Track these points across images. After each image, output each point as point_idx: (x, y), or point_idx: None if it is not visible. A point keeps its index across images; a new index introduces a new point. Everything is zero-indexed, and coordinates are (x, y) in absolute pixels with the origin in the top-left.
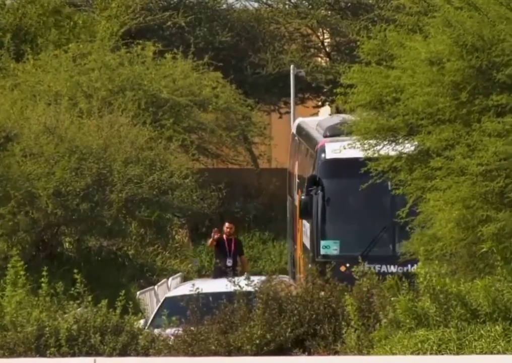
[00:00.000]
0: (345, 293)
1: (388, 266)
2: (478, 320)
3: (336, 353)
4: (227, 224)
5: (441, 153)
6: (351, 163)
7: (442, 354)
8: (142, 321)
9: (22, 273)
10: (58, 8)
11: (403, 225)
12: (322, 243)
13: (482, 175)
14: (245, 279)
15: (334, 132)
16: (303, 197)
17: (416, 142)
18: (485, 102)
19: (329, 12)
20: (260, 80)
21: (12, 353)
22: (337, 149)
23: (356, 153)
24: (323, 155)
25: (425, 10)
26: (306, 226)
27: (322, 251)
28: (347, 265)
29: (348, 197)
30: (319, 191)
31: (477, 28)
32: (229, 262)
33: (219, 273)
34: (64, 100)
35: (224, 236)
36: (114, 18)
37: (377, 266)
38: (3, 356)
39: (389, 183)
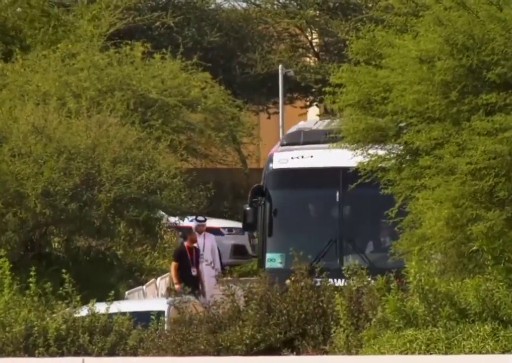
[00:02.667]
0: (335, 293)
1: (335, 280)
2: (467, 319)
3: (325, 352)
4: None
5: (430, 151)
6: (298, 173)
7: (431, 354)
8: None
9: (8, 272)
10: (44, 8)
11: (351, 237)
12: (268, 256)
13: (471, 174)
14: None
15: (291, 140)
16: (246, 208)
17: (405, 142)
18: (475, 101)
19: (318, 12)
20: (248, 80)
21: (0, 353)
22: (284, 159)
23: (305, 163)
24: (270, 165)
25: (413, 11)
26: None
27: (267, 265)
28: (293, 279)
29: (295, 209)
30: (265, 202)
31: (467, 28)
32: (194, 272)
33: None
34: (52, 100)
35: (186, 243)
36: (101, 18)
37: (319, 280)
38: None
39: (337, 195)
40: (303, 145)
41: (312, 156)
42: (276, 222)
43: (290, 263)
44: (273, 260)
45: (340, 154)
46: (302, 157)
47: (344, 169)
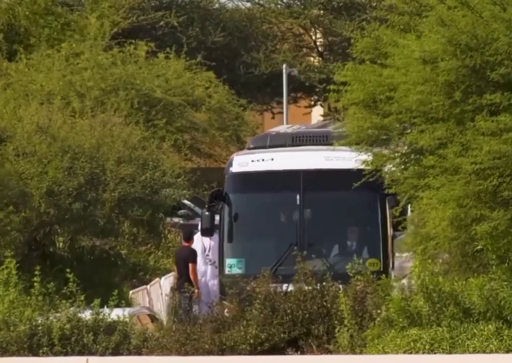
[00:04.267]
0: (339, 292)
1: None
2: (471, 319)
3: (329, 352)
4: None
5: (434, 151)
6: (258, 176)
7: (435, 353)
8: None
9: (14, 272)
10: (49, 7)
11: (312, 241)
12: (227, 261)
13: (475, 174)
14: None
15: (258, 144)
16: (204, 213)
17: (409, 141)
18: (479, 101)
19: (322, 12)
20: (252, 79)
21: (5, 352)
22: (244, 162)
23: (265, 166)
24: (230, 169)
25: (417, 11)
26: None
27: (227, 270)
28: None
29: (254, 213)
30: (224, 207)
31: (471, 28)
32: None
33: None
34: (56, 99)
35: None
36: (104, 17)
37: (284, 286)
38: None
39: (297, 198)
40: (269, 149)
41: (272, 159)
42: (235, 227)
43: (249, 268)
44: (233, 265)
45: (302, 157)
46: (263, 160)
47: (305, 172)
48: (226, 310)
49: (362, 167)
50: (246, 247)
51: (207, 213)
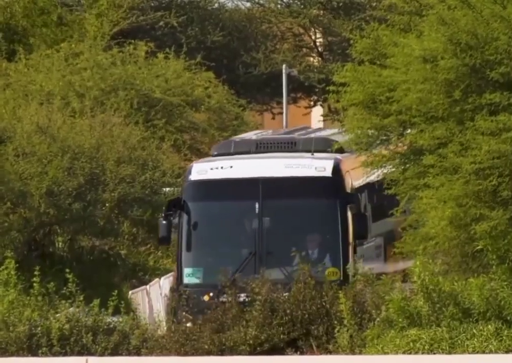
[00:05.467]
0: (339, 292)
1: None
2: (471, 319)
3: (329, 352)
4: None
5: (434, 151)
6: (217, 184)
7: (434, 353)
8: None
9: (13, 272)
10: (46, 7)
11: (271, 250)
12: (185, 270)
13: (475, 173)
14: None
15: (222, 150)
16: (161, 221)
17: (409, 141)
18: (478, 100)
19: (321, 11)
20: (252, 79)
21: (4, 353)
22: (203, 170)
23: (224, 174)
24: (189, 177)
25: (417, 10)
26: None
27: (185, 280)
28: (211, 294)
29: (213, 222)
30: (182, 215)
31: (471, 27)
32: None
33: None
34: (56, 99)
35: None
36: (103, 16)
37: (243, 295)
38: None
39: (256, 206)
40: (229, 156)
41: (231, 167)
42: (193, 236)
43: (208, 278)
44: (191, 275)
45: (261, 164)
46: (222, 168)
47: (264, 180)
48: (183, 321)
49: (322, 174)
50: (204, 256)
51: (164, 222)
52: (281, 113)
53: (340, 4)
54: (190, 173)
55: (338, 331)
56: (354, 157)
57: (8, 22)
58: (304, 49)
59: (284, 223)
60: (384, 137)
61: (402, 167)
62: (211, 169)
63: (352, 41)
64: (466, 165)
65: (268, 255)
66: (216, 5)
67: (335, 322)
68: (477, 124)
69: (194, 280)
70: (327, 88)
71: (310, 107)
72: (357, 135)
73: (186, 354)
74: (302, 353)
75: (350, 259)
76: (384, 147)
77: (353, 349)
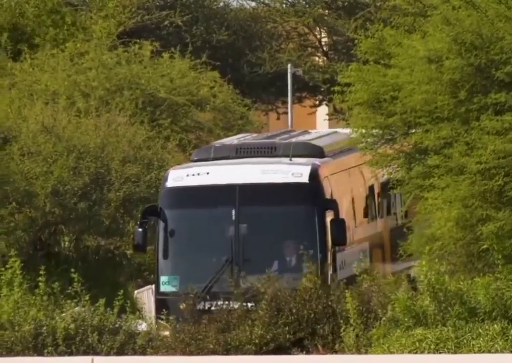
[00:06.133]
0: (345, 291)
1: (231, 302)
2: (476, 319)
3: (334, 352)
4: None
5: (439, 151)
6: (193, 191)
7: (440, 353)
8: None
9: (18, 272)
10: (55, 7)
11: (247, 257)
12: (161, 278)
13: (480, 173)
14: None
15: (202, 156)
16: (137, 229)
17: (414, 141)
18: (484, 100)
19: (326, 11)
20: (257, 79)
21: (9, 352)
22: (179, 177)
23: (200, 180)
24: (165, 183)
25: (421, 11)
26: None
27: (162, 288)
28: (187, 302)
29: (189, 229)
30: (159, 223)
31: (476, 27)
32: None
33: None
34: (61, 99)
35: None
36: (110, 17)
37: (219, 303)
38: (1, 355)
39: (233, 213)
40: (212, 161)
41: (208, 173)
42: (170, 243)
43: (184, 286)
44: (167, 283)
45: (238, 171)
46: (198, 174)
47: (241, 186)
48: (161, 329)
49: (299, 180)
50: (180, 264)
51: (139, 230)
52: (287, 113)
53: (345, 3)
54: (166, 179)
55: (344, 330)
56: (335, 161)
57: (16, 22)
58: (309, 49)
59: (261, 229)
60: (389, 137)
61: (407, 166)
62: (188, 175)
63: (356, 41)
64: (471, 165)
65: (245, 262)
66: (221, 4)
67: (341, 321)
68: (483, 124)
69: (170, 288)
70: (332, 88)
71: (315, 106)
72: (361, 134)
73: (191, 353)
74: (307, 353)
75: (328, 265)
76: (389, 146)
77: (358, 348)
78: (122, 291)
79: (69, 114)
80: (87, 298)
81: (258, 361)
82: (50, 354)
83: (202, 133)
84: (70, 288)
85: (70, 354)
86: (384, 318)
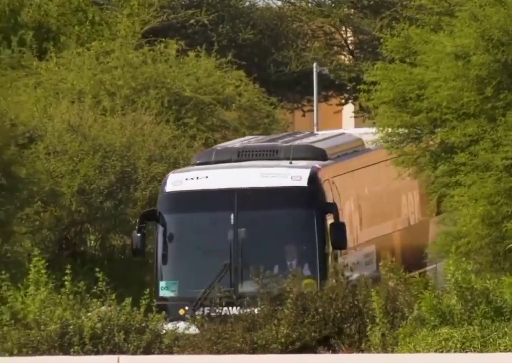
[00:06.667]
0: (372, 291)
1: (231, 308)
2: (503, 317)
3: (360, 351)
4: None
5: (465, 148)
6: (192, 195)
7: (466, 352)
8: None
9: (44, 271)
10: (80, 6)
11: (247, 262)
12: (161, 284)
13: (506, 170)
14: None
15: (203, 159)
16: (135, 234)
17: (440, 138)
18: (510, 97)
19: (352, 10)
20: (283, 78)
21: (36, 351)
22: (178, 181)
23: (199, 184)
24: (164, 187)
25: (446, 10)
26: None
27: (161, 293)
28: (187, 308)
29: (188, 234)
30: (158, 227)
31: (503, 23)
32: None
33: None
34: (87, 98)
35: None
36: (135, 16)
37: (218, 309)
38: (27, 354)
39: (232, 217)
40: (212, 165)
41: (207, 177)
42: (169, 248)
43: (184, 291)
44: (167, 288)
45: (237, 174)
46: (197, 178)
47: (240, 190)
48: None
49: (298, 184)
50: (179, 269)
51: (137, 234)
52: (312, 111)
53: (371, 2)
54: (165, 183)
55: (370, 329)
56: (338, 164)
57: (41, 21)
58: (335, 48)
59: (260, 234)
60: (415, 135)
61: (433, 165)
62: (187, 179)
63: (382, 40)
64: (498, 161)
65: (244, 267)
66: (247, 3)
67: (368, 320)
68: (509, 120)
69: (169, 293)
70: (358, 87)
71: (341, 105)
72: (387, 133)
73: (218, 352)
74: (333, 352)
75: (328, 270)
76: (415, 145)
77: (385, 347)
78: (148, 290)
79: (95, 113)
80: (113, 297)
81: (284, 360)
82: (76, 353)
83: (228, 132)
84: (96, 287)
85: (97, 353)
86: (410, 317)
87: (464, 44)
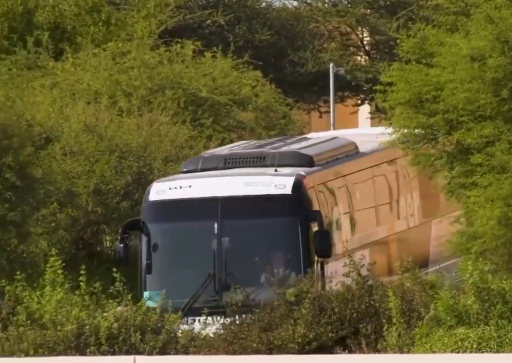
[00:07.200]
0: (388, 291)
1: (215, 317)
2: None
3: (377, 351)
4: None
5: (481, 149)
6: (175, 205)
7: (482, 352)
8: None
9: (60, 271)
10: (96, 6)
11: (231, 271)
12: (145, 294)
13: None
14: None
15: (190, 167)
16: (118, 245)
17: (456, 140)
18: None
19: (368, 10)
20: (299, 78)
21: (52, 352)
22: (162, 190)
23: (182, 193)
24: (148, 196)
25: (463, 10)
26: None
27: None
28: None
29: (172, 244)
30: (142, 236)
31: None
32: None
33: None
34: (103, 98)
35: None
36: (151, 17)
37: (203, 318)
38: (43, 354)
39: (215, 226)
40: (197, 173)
41: (190, 186)
42: (153, 258)
43: (167, 301)
44: (151, 298)
45: (220, 183)
46: (180, 187)
47: (223, 199)
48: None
49: (281, 192)
50: (163, 279)
51: (120, 245)
52: (329, 112)
53: (387, 3)
54: (149, 193)
55: (387, 330)
56: (326, 170)
57: (56, 21)
58: (351, 48)
59: (244, 243)
60: (431, 136)
61: (449, 166)
62: (170, 188)
63: (398, 40)
64: None
65: (228, 276)
66: (263, 4)
67: (384, 320)
68: None
69: (153, 304)
70: (374, 87)
71: (357, 105)
72: (403, 134)
73: (234, 352)
74: (350, 352)
75: (314, 278)
76: (431, 146)
77: (401, 347)
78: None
79: (111, 114)
80: (129, 297)
81: (301, 360)
82: (93, 353)
83: (244, 133)
84: (112, 287)
85: (113, 353)
86: (426, 317)
87: (480, 46)
